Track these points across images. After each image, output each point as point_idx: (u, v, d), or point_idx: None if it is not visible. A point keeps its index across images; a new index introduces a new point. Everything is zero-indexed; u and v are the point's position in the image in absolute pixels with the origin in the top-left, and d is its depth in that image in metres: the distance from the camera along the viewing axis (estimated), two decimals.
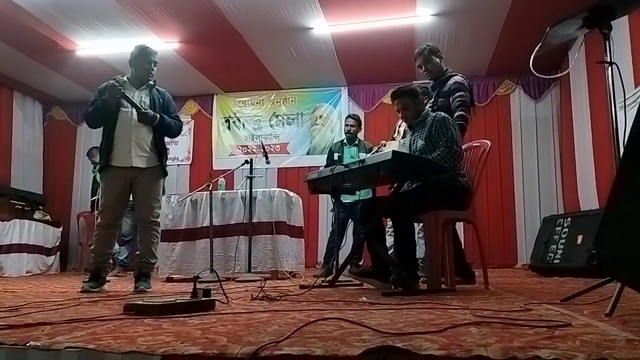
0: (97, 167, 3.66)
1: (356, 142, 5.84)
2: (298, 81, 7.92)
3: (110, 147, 3.57)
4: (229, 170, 6.00)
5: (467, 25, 6.02)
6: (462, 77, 3.93)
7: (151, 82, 3.77)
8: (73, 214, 8.41)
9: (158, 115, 3.62)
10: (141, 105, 3.59)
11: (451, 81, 3.89)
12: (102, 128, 3.69)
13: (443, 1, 5.54)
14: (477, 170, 3.36)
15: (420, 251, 3.33)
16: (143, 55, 3.71)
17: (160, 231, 3.80)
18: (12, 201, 7.23)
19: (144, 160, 3.61)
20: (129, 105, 3.57)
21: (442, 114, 3.29)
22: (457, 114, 3.69)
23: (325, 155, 6.24)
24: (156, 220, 3.71)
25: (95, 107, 3.58)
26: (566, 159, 6.83)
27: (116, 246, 4.47)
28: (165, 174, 3.77)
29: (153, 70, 3.73)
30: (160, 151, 3.70)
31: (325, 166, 5.20)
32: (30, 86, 8.01)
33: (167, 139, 3.87)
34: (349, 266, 3.58)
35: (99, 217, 3.64)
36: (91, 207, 7.15)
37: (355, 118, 5.96)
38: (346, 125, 5.92)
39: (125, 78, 3.72)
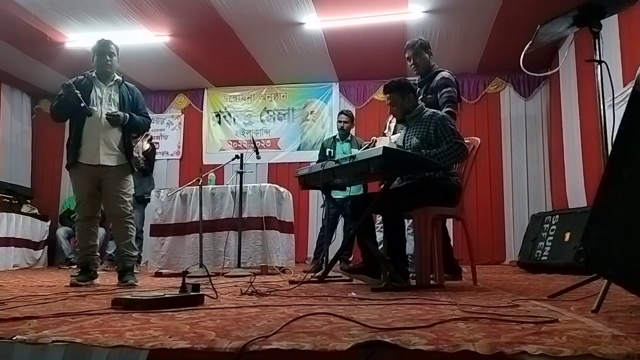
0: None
1: (348, 138, 5.84)
2: (289, 76, 7.89)
3: (78, 143, 3.57)
4: (219, 165, 5.96)
5: (459, 23, 6.03)
6: (449, 72, 3.93)
7: (119, 78, 3.75)
8: (61, 208, 8.32)
9: (127, 116, 3.63)
10: (110, 104, 3.61)
11: (438, 77, 3.89)
12: (69, 123, 3.71)
13: None
14: (467, 167, 3.39)
15: (410, 247, 3.34)
16: (100, 47, 3.70)
17: (135, 224, 3.79)
18: None
19: (112, 158, 3.62)
20: (98, 104, 3.58)
21: (440, 112, 3.30)
22: (444, 110, 3.70)
23: (316, 151, 6.22)
24: (130, 214, 3.69)
25: (58, 102, 3.58)
26: (555, 156, 6.88)
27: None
28: (133, 170, 3.78)
29: (109, 62, 3.68)
30: (128, 150, 3.72)
31: (318, 162, 5.20)
32: (19, 78, 7.90)
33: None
34: (339, 262, 3.58)
35: (77, 213, 3.69)
36: None
37: (348, 114, 5.95)
38: (339, 121, 5.91)
39: (93, 74, 3.70)
